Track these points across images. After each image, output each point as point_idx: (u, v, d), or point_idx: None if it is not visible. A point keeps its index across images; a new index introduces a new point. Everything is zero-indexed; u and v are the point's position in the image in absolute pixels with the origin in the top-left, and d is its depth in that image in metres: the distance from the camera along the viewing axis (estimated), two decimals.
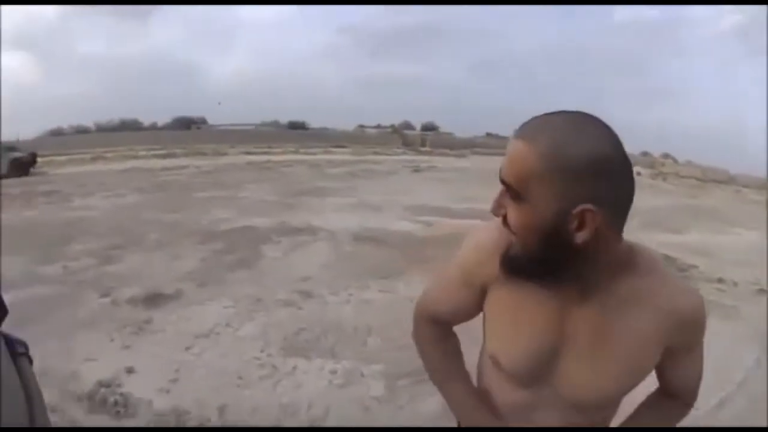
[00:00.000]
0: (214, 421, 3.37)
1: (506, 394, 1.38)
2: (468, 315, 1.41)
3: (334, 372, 4.08)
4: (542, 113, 1.09)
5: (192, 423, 3.35)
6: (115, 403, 3.52)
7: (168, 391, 3.66)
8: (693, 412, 3.70)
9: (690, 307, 1.19)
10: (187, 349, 4.30)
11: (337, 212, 10.68)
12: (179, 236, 7.92)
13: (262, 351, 4.33)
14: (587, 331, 1.18)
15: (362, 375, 4.07)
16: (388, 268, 6.66)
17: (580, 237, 1.05)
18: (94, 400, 3.61)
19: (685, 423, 1.42)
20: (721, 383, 4.31)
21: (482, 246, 1.30)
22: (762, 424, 3.82)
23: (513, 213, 1.10)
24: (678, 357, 1.28)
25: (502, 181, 1.10)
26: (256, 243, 7.78)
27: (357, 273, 6.51)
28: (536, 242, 1.10)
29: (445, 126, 47.44)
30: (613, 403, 1.37)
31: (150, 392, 3.61)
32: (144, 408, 3.49)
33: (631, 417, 1.43)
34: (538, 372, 1.28)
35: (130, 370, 3.92)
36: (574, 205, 1.03)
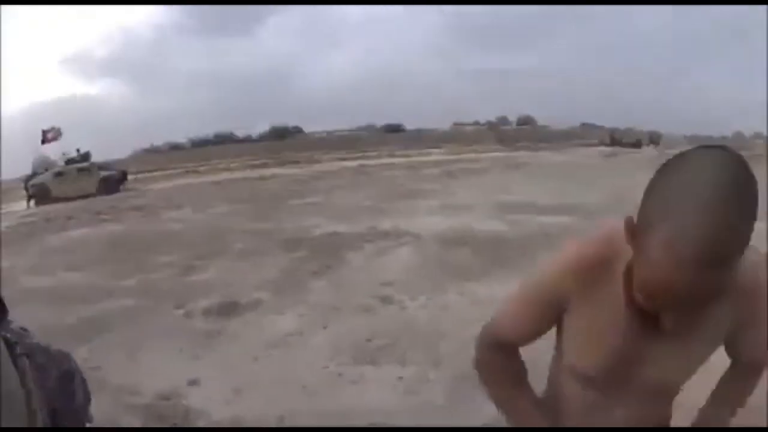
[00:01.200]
0: None
1: (587, 400, 1.39)
2: (539, 335, 1.37)
3: (400, 379, 4.04)
4: None
5: None
6: (174, 414, 3.56)
7: (229, 402, 3.69)
8: None
9: (749, 269, 1.11)
10: (256, 359, 4.35)
11: (429, 215, 10.62)
12: (265, 245, 8.05)
13: (331, 359, 4.33)
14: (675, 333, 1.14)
15: (428, 381, 4.01)
16: (468, 270, 6.56)
17: None
18: (150, 411, 3.68)
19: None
20: None
21: (579, 262, 1.25)
22: None
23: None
24: (749, 329, 1.27)
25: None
26: (341, 250, 7.81)
27: (437, 276, 6.44)
28: None
29: (541, 117, 46.84)
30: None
31: (211, 403, 3.65)
32: (203, 419, 3.53)
33: (714, 392, 1.47)
34: (628, 373, 1.29)
35: (194, 382, 3.98)
36: None
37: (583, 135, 37.61)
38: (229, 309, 5.38)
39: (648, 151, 30.22)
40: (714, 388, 1.44)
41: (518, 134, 36.70)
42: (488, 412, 3.39)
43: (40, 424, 0.96)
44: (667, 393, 1.39)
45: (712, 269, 0.92)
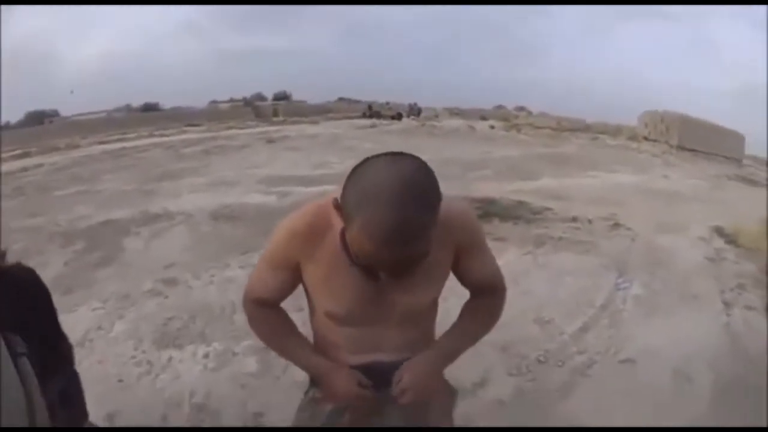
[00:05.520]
0: None
1: (347, 338, 1.60)
2: (289, 292, 1.62)
3: (207, 356, 4.11)
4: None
5: None
6: None
7: None
8: (559, 336, 4.27)
9: (457, 213, 1.47)
10: None
11: (194, 193, 10.50)
12: (42, 242, 7.39)
13: (136, 349, 4.26)
14: None
15: (234, 354, 4.12)
16: (246, 243, 6.70)
17: None
18: None
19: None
20: (583, 308, 4.78)
21: (295, 232, 1.48)
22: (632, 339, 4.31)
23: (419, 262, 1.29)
24: (469, 255, 1.56)
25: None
26: (118, 236, 7.51)
27: (217, 253, 6.51)
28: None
29: (300, 94, 46.67)
30: (434, 305, 1.66)
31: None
32: None
33: (460, 317, 1.68)
34: (373, 308, 1.51)
35: None
36: None
37: (340, 109, 38.14)
38: None
39: (408, 122, 31.31)
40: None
41: (275, 109, 36.29)
42: (303, 375, 3.62)
43: (40, 423, 1.00)
44: (416, 316, 1.60)
45: (402, 246, 1.18)
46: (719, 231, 7.53)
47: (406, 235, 1.16)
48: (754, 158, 22.66)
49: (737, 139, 22.23)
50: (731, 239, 7.20)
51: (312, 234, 1.45)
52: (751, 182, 16.18)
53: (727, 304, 5.05)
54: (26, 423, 0.99)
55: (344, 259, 1.42)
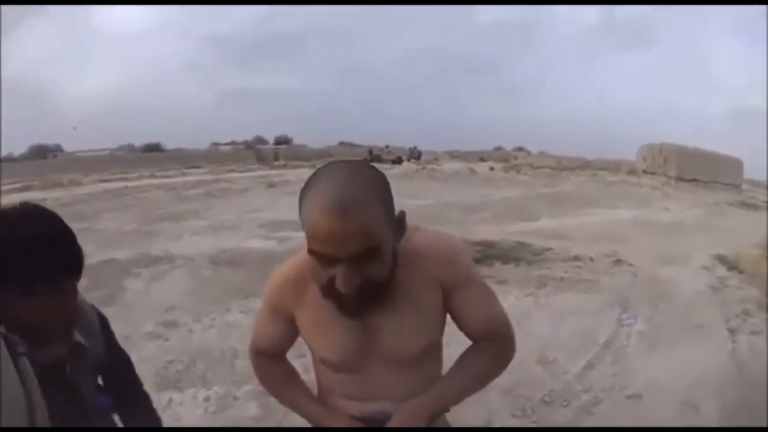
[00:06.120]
0: None
1: (345, 385, 1.56)
2: (290, 340, 1.62)
3: (207, 399, 4.08)
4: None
5: None
6: None
7: None
8: (564, 376, 4.19)
9: (439, 246, 1.45)
10: None
11: (195, 236, 10.48)
12: None
13: None
14: (386, 308, 1.38)
15: (235, 398, 4.09)
16: (246, 288, 6.66)
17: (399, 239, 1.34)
18: None
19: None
20: (586, 347, 4.75)
21: (285, 281, 1.50)
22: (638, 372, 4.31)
23: (373, 268, 1.27)
24: (461, 294, 1.47)
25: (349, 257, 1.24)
26: (119, 276, 7.47)
27: (217, 297, 6.48)
28: (390, 270, 1.32)
29: (299, 137, 46.91)
30: (433, 354, 1.57)
31: None
32: None
33: (457, 362, 1.58)
34: (363, 352, 1.47)
35: None
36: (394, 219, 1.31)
37: (341, 154, 38.32)
38: None
39: (408, 166, 31.43)
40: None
41: (276, 153, 36.42)
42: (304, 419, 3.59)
43: (40, 423, 0.99)
44: (411, 361, 1.50)
45: (340, 217, 1.19)
46: (721, 259, 7.56)
47: (339, 203, 1.20)
48: (752, 182, 22.89)
49: (735, 165, 22.46)
50: (733, 266, 7.22)
51: (303, 280, 1.44)
52: (750, 207, 16.39)
53: (732, 331, 5.06)
54: (26, 423, 0.97)
55: (329, 306, 1.39)
